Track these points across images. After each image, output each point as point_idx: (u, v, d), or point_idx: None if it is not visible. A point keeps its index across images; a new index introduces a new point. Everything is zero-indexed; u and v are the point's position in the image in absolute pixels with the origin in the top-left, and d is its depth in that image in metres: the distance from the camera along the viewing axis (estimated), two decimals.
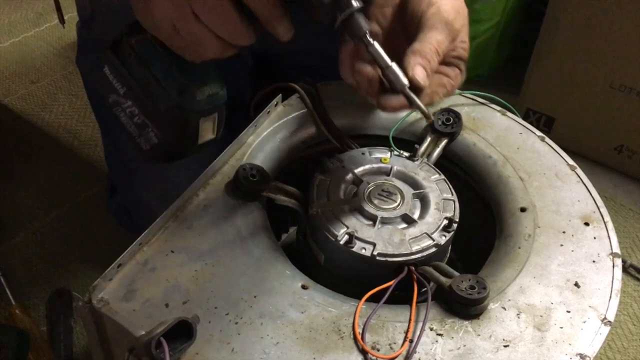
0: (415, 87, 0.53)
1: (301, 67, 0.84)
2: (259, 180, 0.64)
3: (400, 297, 0.57)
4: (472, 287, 0.54)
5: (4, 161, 1.48)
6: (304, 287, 0.57)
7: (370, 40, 0.52)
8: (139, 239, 0.59)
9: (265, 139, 0.71)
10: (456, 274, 0.56)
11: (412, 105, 0.53)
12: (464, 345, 0.53)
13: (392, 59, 0.53)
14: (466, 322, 0.55)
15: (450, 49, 0.57)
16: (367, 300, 0.55)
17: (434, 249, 0.59)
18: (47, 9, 1.98)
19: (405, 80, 0.53)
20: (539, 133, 0.76)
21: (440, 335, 0.54)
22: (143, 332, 0.51)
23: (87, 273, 1.23)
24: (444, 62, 0.57)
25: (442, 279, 0.56)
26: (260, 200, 0.65)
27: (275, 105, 0.75)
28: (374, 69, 0.55)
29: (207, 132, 0.59)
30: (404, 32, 0.59)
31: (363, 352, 0.52)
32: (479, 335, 0.54)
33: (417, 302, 0.55)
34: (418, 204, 0.64)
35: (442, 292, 0.56)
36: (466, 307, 0.54)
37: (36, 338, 1.08)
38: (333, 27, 0.52)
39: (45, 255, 1.28)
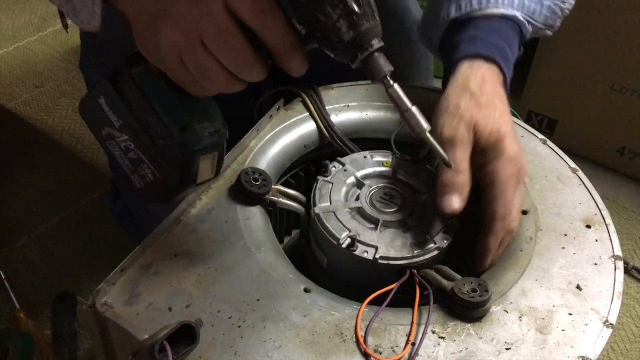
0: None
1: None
2: (261, 184, 0.64)
3: (402, 300, 0.57)
4: (474, 290, 0.54)
5: (8, 165, 1.48)
6: (306, 290, 0.57)
7: (391, 81, 0.50)
8: (142, 243, 0.59)
9: (267, 142, 0.71)
10: (458, 277, 0.57)
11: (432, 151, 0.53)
12: (466, 348, 0.53)
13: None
14: (468, 325, 0.55)
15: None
16: (370, 303, 0.55)
17: (435, 252, 0.60)
18: (51, 14, 1.99)
19: (425, 125, 0.51)
20: (540, 136, 0.76)
21: (443, 338, 0.54)
22: (146, 336, 0.51)
23: (91, 276, 1.24)
24: None
25: (444, 282, 0.56)
26: (262, 204, 0.65)
27: (278, 109, 0.75)
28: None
29: (206, 171, 0.56)
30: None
31: (365, 355, 0.52)
32: (481, 338, 0.54)
33: (419, 305, 0.56)
34: (420, 207, 0.64)
35: (444, 295, 0.57)
36: (468, 310, 0.54)
37: (40, 342, 1.09)
38: (352, 67, 0.50)
39: (49, 258, 1.28)
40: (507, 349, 0.53)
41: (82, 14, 0.51)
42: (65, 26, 0.97)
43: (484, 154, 0.60)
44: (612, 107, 1.42)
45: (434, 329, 0.54)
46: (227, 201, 0.64)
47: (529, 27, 0.69)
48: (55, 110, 1.66)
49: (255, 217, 0.63)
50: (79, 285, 1.21)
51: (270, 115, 0.74)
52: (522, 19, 0.67)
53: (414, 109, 0.51)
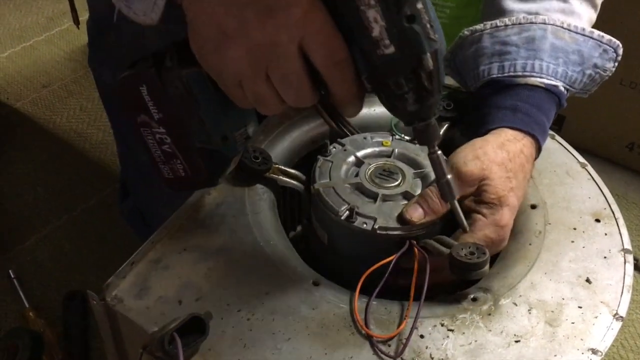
0: None
1: None
2: (261, 161, 0.65)
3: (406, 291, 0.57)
4: (471, 253, 0.54)
5: (16, 165, 1.49)
6: (315, 283, 0.57)
7: (436, 148, 0.53)
8: (151, 237, 0.59)
9: (275, 138, 0.72)
10: (457, 244, 0.57)
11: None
12: (475, 341, 0.53)
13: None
14: (477, 318, 0.55)
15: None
16: (370, 279, 0.55)
17: (434, 222, 0.60)
18: (58, 13, 2.00)
19: (455, 194, 0.55)
20: (549, 131, 0.76)
21: (452, 330, 0.54)
22: (156, 329, 0.51)
23: (99, 275, 1.23)
24: None
25: (443, 249, 0.56)
26: (263, 182, 0.66)
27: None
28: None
29: (231, 167, 0.59)
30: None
31: (368, 336, 0.52)
32: (490, 330, 0.54)
33: (424, 301, 0.55)
34: (419, 182, 0.64)
35: (452, 290, 0.57)
36: (466, 273, 0.54)
37: (50, 340, 1.09)
38: (408, 126, 0.52)
39: (58, 258, 1.29)
40: (516, 341, 0.53)
41: (138, 5, 0.49)
42: (77, 22, 0.96)
43: (479, 204, 0.60)
44: (621, 103, 1.41)
45: (442, 322, 0.54)
46: (236, 196, 0.65)
47: (567, 94, 0.69)
48: (63, 109, 1.67)
49: (263, 212, 0.64)
50: (88, 284, 1.20)
51: None
52: (562, 89, 0.68)
53: (449, 177, 0.54)
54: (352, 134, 0.70)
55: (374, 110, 0.77)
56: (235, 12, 0.45)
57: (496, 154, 0.61)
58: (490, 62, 0.68)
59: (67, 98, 1.70)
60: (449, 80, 0.77)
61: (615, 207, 0.67)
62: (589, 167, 0.72)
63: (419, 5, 0.45)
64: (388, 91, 0.49)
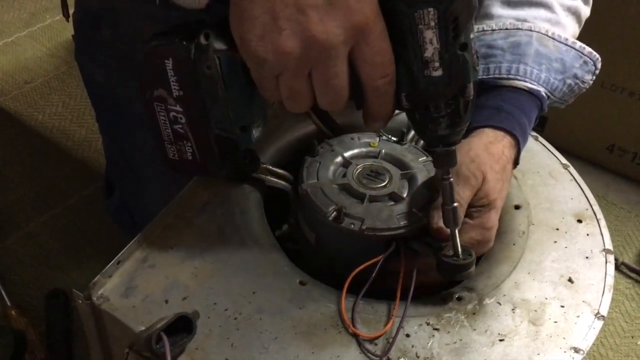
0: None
1: None
2: (249, 161, 0.65)
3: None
4: (458, 256, 0.55)
5: None
6: (302, 283, 0.57)
7: (451, 174, 0.53)
8: (138, 236, 0.59)
9: (263, 138, 0.72)
10: (444, 245, 0.57)
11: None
12: (460, 340, 0.54)
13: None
14: (462, 317, 0.55)
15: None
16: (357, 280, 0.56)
17: (421, 223, 0.60)
18: (40, 9, 1.98)
19: (459, 222, 0.55)
20: (532, 132, 0.77)
21: (437, 329, 0.54)
22: (143, 328, 0.51)
23: (82, 273, 1.24)
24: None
25: (430, 250, 0.57)
26: (251, 182, 0.66)
27: (272, 104, 0.75)
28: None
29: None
30: None
31: (354, 335, 0.53)
32: (475, 329, 0.55)
33: (412, 299, 0.56)
34: (406, 183, 0.64)
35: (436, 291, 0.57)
36: (453, 274, 0.55)
37: (32, 339, 1.08)
38: (430, 148, 0.53)
39: (40, 256, 1.28)
40: (500, 340, 0.54)
41: None
42: (67, 16, 0.94)
43: (467, 206, 0.60)
44: (602, 105, 1.43)
45: (428, 321, 0.55)
46: (223, 195, 0.65)
47: (548, 102, 0.70)
48: (45, 106, 1.65)
49: (251, 211, 0.64)
50: (71, 282, 1.21)
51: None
52: (544, 94, 0.68)
53: (456, 205, 0.54)
54: (340, 134, 0.71)
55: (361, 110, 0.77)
56: None
57: (485, 156, 0.62)
58: None
59: (49, 95, 1.69)
60: None
61: (597, 208, 0.68)
62: (572, 169, 0.73)
63: (472, 35, 0.47)
64: (424, 112, 0.50)
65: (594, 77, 0.72)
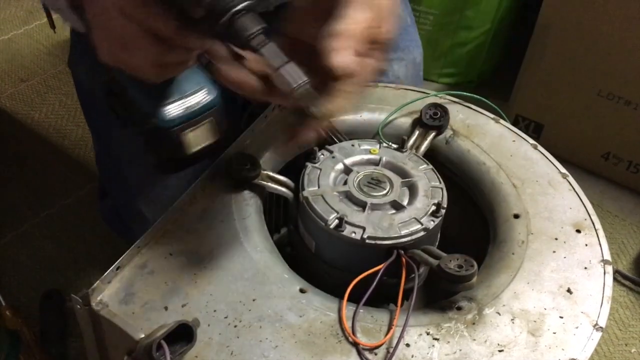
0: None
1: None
2: (250, 168, 0.65)
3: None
4: (460, 266, 0.55)
5: None
6: (302, 290, 0.57)
7: (264, 38, 0.44)
8: (137, 242, 0.59)
9: (263, 143, 0.72)
10: (445, 255, 0.57)
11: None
12: (460, 350, 0.54)
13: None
14: (462, 327, 0.56)
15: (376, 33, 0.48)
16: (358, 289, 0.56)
17: (422, 233, 0.60)
18: (37, 7, 1.97)
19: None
20: (531, 141, 0.77)
21: (437, 339, 0.54)
22: (142, 335, 0.51)
23: (77, 273, 1.23)
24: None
25: (431, 260, 0.57)
26: (252, 189, 0.66)
27: (272, 109, 0.75)
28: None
29: (198, 140, 0.59)
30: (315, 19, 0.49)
31: (355, 344, 0.53)
32: (475, 340, 0.55)
33: (410, 313, 0.56)
34: (407, 191, 0.64)
35: (432, 274, 0.57)
36: (454, 285, 0.55)
37: (27, 339, 1.08)
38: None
39: (35, 256, 1.27)
40: (500, 350, 0.54)
41: (67, 15, 0.52)
42: (53, 26, 0.95)
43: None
44: (598, 113, 1.44)
45: (428, 331, 0.55)
46: (223, 201, 0.65)
47: None
48: (42, 105, 1.64)
49: (250, 217, 0.63)
50: (66, 282, 1.20)
51: (265, 116, 0.74)
52: None
53: (291, 64, 0.45)
54: (340, 141, 0.71)
55: (360, 116, 0.77)
56: None
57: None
58: None
59: (46, 93, 1.68)
60: (429, 87, 0.78)
61: (595, 218, 0.68)
62: (570, 178, 0.73)
63: None
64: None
65: None
